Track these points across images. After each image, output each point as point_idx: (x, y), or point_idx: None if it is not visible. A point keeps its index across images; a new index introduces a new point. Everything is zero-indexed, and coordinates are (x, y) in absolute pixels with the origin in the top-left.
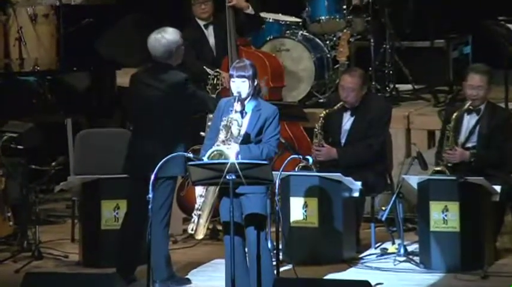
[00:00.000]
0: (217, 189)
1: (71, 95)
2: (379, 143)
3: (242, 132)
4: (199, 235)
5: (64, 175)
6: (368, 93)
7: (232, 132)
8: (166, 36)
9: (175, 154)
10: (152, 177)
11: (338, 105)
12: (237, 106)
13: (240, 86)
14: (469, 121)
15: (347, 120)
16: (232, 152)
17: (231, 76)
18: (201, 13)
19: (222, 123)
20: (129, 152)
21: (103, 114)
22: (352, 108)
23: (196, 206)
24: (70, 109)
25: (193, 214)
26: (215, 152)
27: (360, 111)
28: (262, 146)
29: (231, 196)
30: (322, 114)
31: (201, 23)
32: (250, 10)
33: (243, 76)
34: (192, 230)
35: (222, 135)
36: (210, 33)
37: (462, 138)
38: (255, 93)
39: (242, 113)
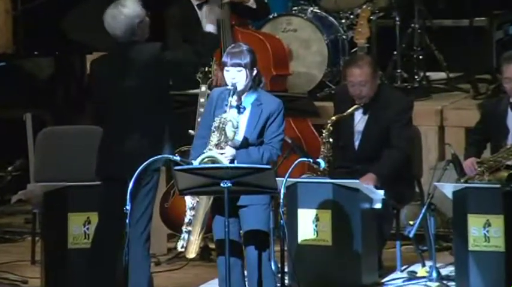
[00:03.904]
0: (210, 200)
1: (31, 85)
2: (404, 138)
3: (240, 133)
4: (191, 254)
5: (23, 182)
6: (380, 84)
7: (226, 135)
8: (125, 11)
9: (158, 157)
10: (130, 185)
11: (350, 110)
12: (233, 101)
13: (235, 76)
14: None
15: (359, 120)
16: (226, 158)
17: (224, 64)
18: None
19: (214, 124)
20: (100, 152)
21: (71, 109)
22: (364, 105)
23: (186, 220)
24: (30, 102)
25: (182, 229)
26: (206, 159)
27: (374, 109)
28: (263, 149)
29: (226, 207)
30: (330, 121)
31: (194, 2)
32: (251, 3)
33: (239, 64)
34: (182, 247)
35: (214, 139)
36: (204, 14)
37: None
38: (255, 84)
39: (239, 108)
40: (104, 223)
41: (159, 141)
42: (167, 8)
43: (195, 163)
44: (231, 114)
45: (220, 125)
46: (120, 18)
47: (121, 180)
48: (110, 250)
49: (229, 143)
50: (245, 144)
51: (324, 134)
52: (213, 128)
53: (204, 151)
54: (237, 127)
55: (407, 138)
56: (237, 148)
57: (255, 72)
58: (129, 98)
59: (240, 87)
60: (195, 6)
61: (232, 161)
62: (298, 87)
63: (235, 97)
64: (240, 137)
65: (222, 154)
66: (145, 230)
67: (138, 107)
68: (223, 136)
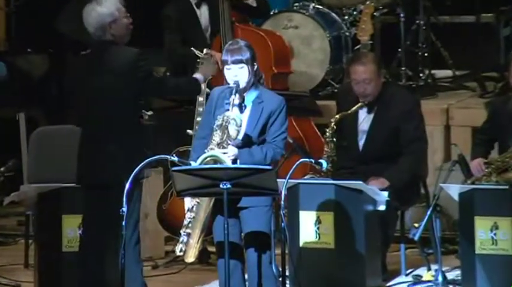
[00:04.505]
0: (211, 202)
1: (24, 83)
2: (423, 149)
3: (242, 132)
4: (190, 258)
5: (16, 183)
6: (384, 82)
7: (229, 133)
8: (98, 9)
9: (158, 157)
10: (127, 186)
11: (354, 108)
12: (235, 99)
13: (237, 73)
14: None
15: (363, 119)
16: (229, 158)
17: (225, 62)
18: None
19: (217, 122)
20: (78, 157)
21: (65, 108)
22: (369, 103)
23: (185, 222)
24: (23, 101)
25: (181, 231)
26: (208, 159)
27: (379, 108)
28: (266, 148)
29: (224, 208)
30: (333, 120)
31: (193, 0)
32: (251, 1)
33: (240, 61)
34: (181, 251)
35: (216, 137)
36: (202, 13)
37: None
38: (256, 80)
39: (241, 106)
40: (87, 228)
41: (128, 146)
42: (164, 8)
43: (197, 163)
44: (234, 112)
45: (224, 124)
46: (92, 15)
47: (90, 184)
48: (99, 254)
49: (232, 142)
50: (246, 143)
51: (327, 133)
52: (215, 126)
53: (206, 150)
54: (240, 126)
55: (423, 140)
56: (239, 147)
57: (255, 67)
58: (98, 100)
59: (242, 84)
60: (193, 5)
61: (234, 161)
62: (300, 86)
63: (237, 95)
64: (240, 136)
65: (224, 153)
66: (134, 233)
67: (107, 110)
68: (225, 135)
